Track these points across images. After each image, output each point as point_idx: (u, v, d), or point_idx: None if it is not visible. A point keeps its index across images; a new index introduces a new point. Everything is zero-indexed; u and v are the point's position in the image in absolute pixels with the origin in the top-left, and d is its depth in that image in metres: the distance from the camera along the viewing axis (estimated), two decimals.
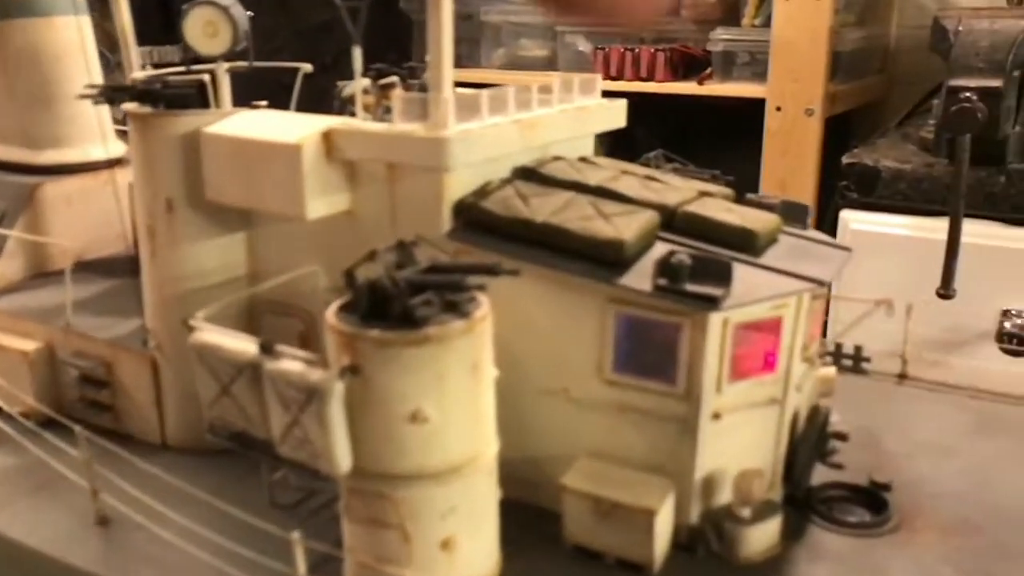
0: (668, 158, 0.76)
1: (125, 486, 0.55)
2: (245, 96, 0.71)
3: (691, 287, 0.49)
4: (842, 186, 1.25)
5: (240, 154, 0.56)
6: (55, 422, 0.60)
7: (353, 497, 0.47)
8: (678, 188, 0.60)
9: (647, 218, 0.54)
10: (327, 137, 0.55)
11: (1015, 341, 1.14)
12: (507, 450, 0.49)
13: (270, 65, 0.71)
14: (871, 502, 0.57)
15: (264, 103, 0.70)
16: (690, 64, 1.71)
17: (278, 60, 0.74)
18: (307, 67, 0.71)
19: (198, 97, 0.61)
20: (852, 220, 1.24)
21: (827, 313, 0.80)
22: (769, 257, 0.54)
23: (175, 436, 0.64)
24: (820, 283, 0.51)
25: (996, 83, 1.07)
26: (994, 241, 1.15)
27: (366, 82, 0.60)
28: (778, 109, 1.59)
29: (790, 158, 1.60)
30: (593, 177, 0.59)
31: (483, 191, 0.56)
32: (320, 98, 0.76)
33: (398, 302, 0.44)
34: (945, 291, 1.11)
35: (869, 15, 1.82)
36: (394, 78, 0.64)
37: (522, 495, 0.52)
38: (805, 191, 1.61)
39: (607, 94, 0.69)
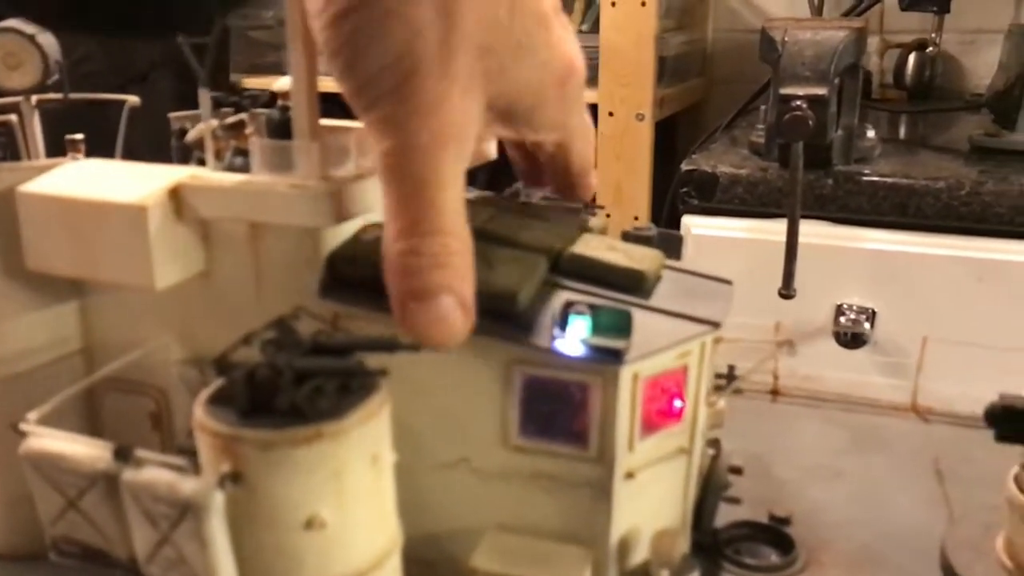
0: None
1: None
2: (53, 126, 0.62)
3: (594, 340, 0.46)
4: (682, 192, 1.27)
5: (69, 217, 0.47)
6: None
7: None
8: (556, 225, 0.57)
9: (536, 265, 0.50)
10: (175, 194, 0.47)
11: (849, 336, 1.20)
12: (408, 531, 0.44)
13: (89, 97, 0.62)
14: (775, 539, 0.56)
15: (80, 137, 0.61)
16: None
17: (82, 74, 0.65)
18: (134, 100, 0.62)
19: (5, 145, 0.51)
20: (693, 225, 1.26)
21: None
22: (659, 297, 0.52)
23: (6, 542, 0.55)
24: (714, 325, 0.49)
25: (822, 91, 1.12)
26: (825, 240, 1.21)
27: (214, 124, 0.52)
28: (610, 114, 1.61)
29: (623, 162, 1.62)
30: (471, 218, 0.55)
31: (357, 242, 0.51)
32: (137, 120, 0.67)
33: (283, 394, 0.38)
34: (786, 291, 1.15)
35: (687, 20, 1.88)
36: (243, 115, 0.57)
37: (418, 573, 0.47)
38: (640, 194, 1.64)
39: None
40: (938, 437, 0.67)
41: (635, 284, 0.52)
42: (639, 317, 0.49)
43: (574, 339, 0.46)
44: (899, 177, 1.18)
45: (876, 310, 1.20)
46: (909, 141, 1.56)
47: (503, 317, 0.48)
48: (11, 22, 0.56)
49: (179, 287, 0.50)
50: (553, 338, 0.46)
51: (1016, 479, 0.51)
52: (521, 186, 0.74)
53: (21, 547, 0.54)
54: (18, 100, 0.57)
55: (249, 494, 0.38)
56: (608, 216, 1.66)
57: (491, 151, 0.64)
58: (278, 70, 1.75)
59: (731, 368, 0.76)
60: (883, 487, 0.62)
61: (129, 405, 0.53)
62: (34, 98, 0.58)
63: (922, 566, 0.53)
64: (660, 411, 0.50)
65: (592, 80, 1.60)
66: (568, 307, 0.47)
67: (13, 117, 0.55)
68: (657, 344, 0.48)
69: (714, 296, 0.54)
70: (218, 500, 0.37)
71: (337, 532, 0.39)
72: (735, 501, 0.60)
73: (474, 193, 0.62)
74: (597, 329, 0.46)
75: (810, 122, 1.10)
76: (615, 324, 0.47)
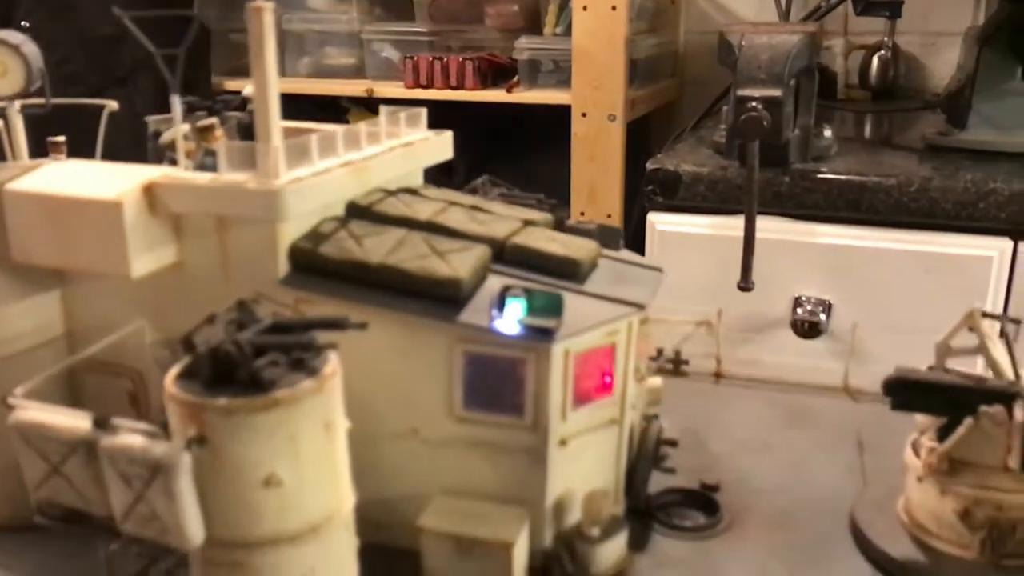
0: (494, 183, 0.77)
1: None
2: (36, 129, 0.66)
3: (528, 320, 0.51)
4: (648, 190, 1.32)
5: (52, 213, 0.52)
6: None
7: (207, 567, 0.46)
8: (503, 218, 0.62)
9: (479, 253, 0.56)
10: (149, 190, 0.52)
11: (806, 326, 1.26)
12: (362, 494, 0.49)
13: (70, 102, 0.66)
14: (704, 504, 0.61)
15: (62, 139, 0.65)
16: (498, 72, 1.75)
17: (64, 75, 0.69)
18: (113, 104, 0.67)
19: None
20: (658, 222, 1.32)
21: None
22: (593, 283, 0.57)
23: None
24: (640, 307, 0.54)
25: (777, 92, 1.17)
26: (783, 235, 1.26)
27: (186, 128, 0.57)
28: (584, 115, 1.66)
29: (596, 162, 1.67)
30: (423, 212, 0.60)
31: (316, 234, 0.56)
32: (118, 120, 0.71)
33: (243, 366, 0.43)
34: (745, 284, 1.21)
35: (659, 22, 1.93)
36: (213, 119, 0.62)
37: (380, 538, 0.52)
38: (612, 193, 1.69)
39: (416, 103, 0.70)
40: (864, 414, 0.73)
41: (570, 271, 0.57)
42: (571, 300, 0.54)
43: (511, 320, 0.51)
44: (852, 175, 1.23)
45: (832, 302, 1.26)
46: (868, 140, 1.62)
47: (448, 301, 0.53)
48: None
49: (153, 276, 0.54)
50: (492, 319, 0.52)
51: (913, 444, 0.57)
52: (480, 182, 0.79)
53: (10, 517, 0.59)
54: (4, 105, 0.62)
55: (213, 455, 0.43)
56: (582, 214, 1.71)
57: None
58: None
59: (677, 353, 0.82)
60: (808, 458, 0.67)
61: (108, 385, 0.58)
62: (18, 103, 0.63)
63: (834, 526, 0.59)
64: (591, 385, 0.55)
65: (566, 82, 1.65)
66: (505, 291, 0.52)
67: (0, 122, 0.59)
68: (586, 324, 0.53)
69: (642, 281, 0.59)
70: (186, 460, 0.42)
71: (293, 490, 0.44)
72: (670, 471, 0.65)
73: (432, 189, 0.68)
74: (531, 310, 0.52)
75: (765, 122, 1.16)
76: (548, 306, 0.52)
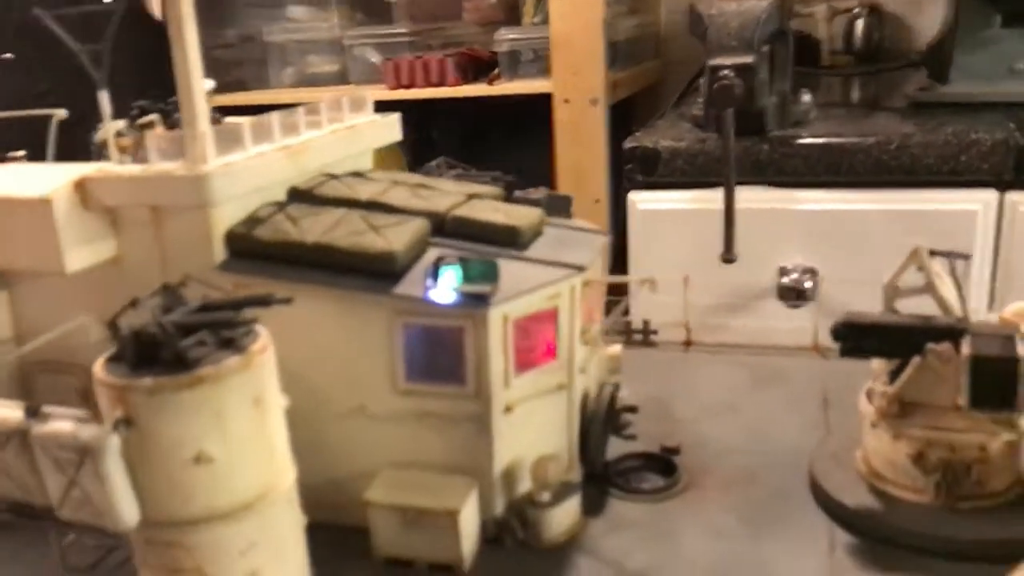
0: (450, 164, 0.77)
1: None
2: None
3: (463, 288, 0.51)
4: (627, 169, 1.32)
5: None
6: None
7: (146, 548, 0.46)
8: (448, 193, 0.62)
9: (416, 226, 0.56)
10: (80, 186, 0.53)
11: (793, 294, 1.24)
12: (313, 475, 0.50)
13: (20, 114, 0.67)
14: (664, 468, 0.61)
15: (21, 153, 0.66)
16: (479, 66, 1.75)
17: (43, 105, 0.69)
18: (61, 113, 0.68)
19: None
20: (639, 201, 1.31)
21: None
22: (534, 250, 0.57)
23: None
24: (579, 268, 0.54)
25: (748, 59, 1.16)
26: (765, 204, 1.25)
27: (119, 124, 0.58)
28: (566, 101, 1.65)
29: (581, 147, 1.67)
30: (364, 192, 0.60)
31: (253, 219, 0.56)
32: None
33: (168, 346, 0.44)
34: (728, 256, 1.20)
35: (639, 4, 1.92)
36: (154, 116, 0.62)
37: (332, 518, 0.52)
38: (597, 177, 1.69)
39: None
40: (832, 371, 0.72)
41: (510, 238, 0.57)
42: (511, 266, 0.54)
43: (445, 288, 0.51)
44: (831, 137, 1.22)
45: (817, 268, 1.24)
46: (850, 103, 1.60)
47: (385, 275, 0.53)
48: None
49: (95, 274, 0.55)
50: (426, 289, 0.51)
51: (867, 392, 0.56)
52: (436, 163, 0.79)
53: None
54: None
55: (141, 436, 0.43)
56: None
57: None
58: (242, 87, 1.80)
59: (646, 323, 0.81)
60: (773, 417, 0.67)
61: (58, 383, 0.59)
62: None
63: (794, 481, 0.58)
64: (533, 350, 0.54)
65: (545, 70, 1.65)
66: (439, 260, 0.52)
67: None
68: (523, 288, 0.53)
69: (584, 245, 0.59)
70: (113, 442, 0.42)
71: (224, 467, 0.44)
72: (632, 438, 0.64)
73: (380, 172, 0.68)
74: (466, 278, 0.52)
75: (737, 90, 1.14)
76: (482, 273, 0.52)
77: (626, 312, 0.92)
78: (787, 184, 1.25)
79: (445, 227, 0.58)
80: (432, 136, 1.87)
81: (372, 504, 0.52)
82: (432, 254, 0.54)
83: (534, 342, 0.54)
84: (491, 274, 0.52)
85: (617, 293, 0.82)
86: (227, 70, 1.83)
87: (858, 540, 0.52)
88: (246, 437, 0.45)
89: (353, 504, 0.54)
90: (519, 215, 0.59)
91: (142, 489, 0.44)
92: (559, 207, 0.64)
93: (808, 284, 1.23)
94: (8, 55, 1.53)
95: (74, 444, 0.43)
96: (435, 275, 0.51)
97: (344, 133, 0.64)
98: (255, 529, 0.46)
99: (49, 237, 0.52)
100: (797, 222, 1.25)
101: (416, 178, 0.67)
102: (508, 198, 0.64)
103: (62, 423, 0.44)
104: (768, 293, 1.25)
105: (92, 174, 0.53)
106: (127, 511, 0.43)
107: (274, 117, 0.59)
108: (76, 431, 0.43)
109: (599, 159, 1.66)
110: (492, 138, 1.86)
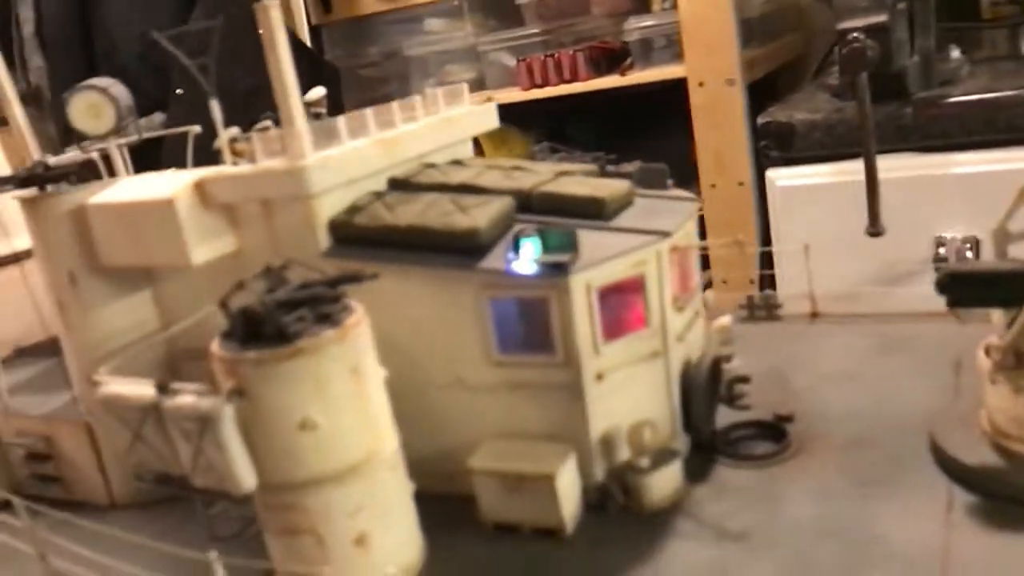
0: (553, 148, 0.79)
1: (74, 548, 0.57)
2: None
3: (543, 258, 0.52)
4: (762, 146, 1.28)
5: (123, 218, 0.60)
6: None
7: (266, 512, 0.50)
8: (538, 172, 0.64)
9: (501, 204, 0.57)
10: (199, 187, 0.58)
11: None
12: (420, 446, 0.52)
13: (159, 134, 0.75)
14: (775, 435, 0.59)
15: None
16: (611, 58, 1.75)
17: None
18: (196, 129, 0.75)
19: (86, 173, 0.65)
20: (777, 178, 1.27)
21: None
22: (621, 220, 0.58)
23: (120, 493, 0.67)
24: (664, 234, 0.54)
25: (882, 18, 1.10)
26: (914, 171, 1.18)
27: (234, 131, 0.63)
28: (701, 84, 1.62)
29: (719, 130, 1.63)
30: (457, 177, 0.62)
31: (353, 208, 0.59)
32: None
33: (270, 322, 0.48)
34: (874, 229, 1.14)
35: None
36: (268, 122, 0.68)
37: (442, 488, 0.55)
38: (739, 159, 1.64)
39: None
40: (967, 335, 0.67)
41: (595, 210, 0.58)
42: (593, 236, 0.55)
43: (526, 260, 0.53)
44: (984, 93, 1.14)
45: (980, 237, 1.16)
46: (1019, 56, 1.47)
47: (471, 251, 0.55)
48: (90, 80, 0.70)
49: (221, 266, 0.60)
50: (508, 262, 0.53)
51: (986, 348, 0.52)
52: (539, 148, 0.81)
53: (132, 496, 0.67)
54: (105, 144, 0.71)
55: (252, 405, 0.47)
56: (713, 186, 1.67)
57: None
58: (388, 101, 1.89)
59: (767, 298, 0.79)
60: (897, 383, 0.63)
61: (200, 369, 0.64)
62: (117, 141, 0.71)
63: (914, 443, 0.55)
64: (622, 317, 0.55)
65: (678, 55, 1.63)
66: (519, 233, 0.53)
67: (95, 154, 0.68)
68: (605, 255, 0.53)
69: (672, 212, 0.59)
70: (228, 411, 0.47)
71: (328, 432, 0.48)
72: (746, 408, 0.63)
73: (478, 159, 0.70)
74: (546, 248, 0.53)
75: (870, 52, 1.09)
76: (561, 242, 0.53)
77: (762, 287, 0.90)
78: (937, 148, 1.17)
79: (531, 203, 0.59)
80: (567, 132, 1.88)
81: (476, 472, 0.54)
82: (519, 230, 0.55)
83: (622, 310, 0.55)
84: (570, 243, 0.52)
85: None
86: (373, 87, 1.92)
87: (979, 500, 0.49)
88: (347, 404, 0.48)
89: (461, 474, 0.56)
90: (605, 187, 0.59)
91: (257, 454, 0.48)
92: (655, 179, 0.64)
93: (969, 254, 1.15)
94: (180, 90, 1.68)
95: (196, 414, 0.47)
96: (515, 248, 0.53)
97: (439, 124, 0.67)
98: (361, 492, 0.49)
99: (176, 234, 0.57)
100: (953, 188, 1.17)
101: (511, 162, 0.68)
102: (601, 173, 0.65)
103: (186, 397, 0.48)
104: (926, 264, 1.18)
105: (207, 175, 0.59)
106: (245, 475, 0.47)
107: (369, 112, 0.63)
108: (197, 403, 0.48)
109: (740, 141, 1.62)
110: (630, 129, 1.85)
